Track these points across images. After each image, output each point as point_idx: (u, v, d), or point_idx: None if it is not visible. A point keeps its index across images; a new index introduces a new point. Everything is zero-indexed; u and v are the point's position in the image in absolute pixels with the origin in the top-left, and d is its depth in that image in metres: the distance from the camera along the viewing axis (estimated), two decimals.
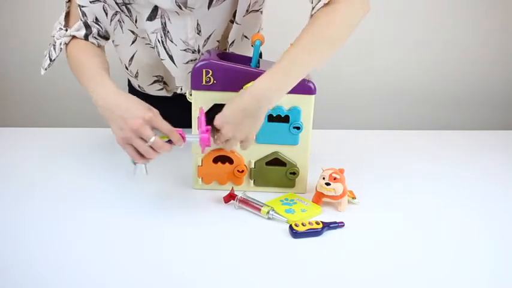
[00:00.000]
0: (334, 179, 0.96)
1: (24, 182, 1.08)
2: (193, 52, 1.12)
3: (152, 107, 0.91)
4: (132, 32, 1.13)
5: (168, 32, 1.09)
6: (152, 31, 1.10)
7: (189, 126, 1.00)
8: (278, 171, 1.03)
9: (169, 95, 1.29)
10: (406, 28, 2.06)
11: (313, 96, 0.97)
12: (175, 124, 0.90)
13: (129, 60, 1.20)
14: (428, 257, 0.84)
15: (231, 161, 1.02)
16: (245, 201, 0.97)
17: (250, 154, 1.02)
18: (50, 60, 1.00)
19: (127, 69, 1.23)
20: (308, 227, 0.89)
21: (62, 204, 0.99)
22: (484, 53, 2.14)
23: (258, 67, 1.01)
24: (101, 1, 1.05)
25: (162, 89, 1.27)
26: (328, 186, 0.96)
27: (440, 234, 0.92)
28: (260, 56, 1.09)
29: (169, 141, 0.89)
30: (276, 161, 1.03)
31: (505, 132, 1.47)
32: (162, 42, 1.11)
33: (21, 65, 2.07)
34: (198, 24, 1.09)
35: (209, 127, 0.90)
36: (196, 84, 0.97)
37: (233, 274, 0.79)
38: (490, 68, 2.17)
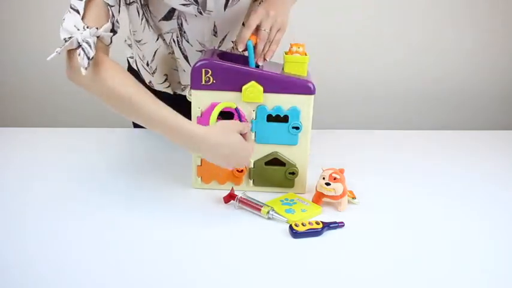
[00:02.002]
0: (334, 179, 0.96)
1: (24, 182, 1.08)
2: None
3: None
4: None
5: (184, 32, 1.10)
6: (167, 31, 1.11)
7: None
8: (277, 171, 1.03)
9: (171, 92, 1.30)
10: (406, 28, 2.06)
11: (313, 96, 0.97)
12: None
13: (152, 56, 1.18)
14: (428, 257, 0.84)
15: None
16: (245, 201, 0.97)
17: None
18: (89, 58, 0.92)
19: (148, 65, 1.21)
20: (308, 227, 0.89)
21: (62, 204, 0.99)
22: (484, 53, 2.14)
23: (258, 67, 1.01)
24: (136, 2, 1.05)
25: (168, 87, 1.27)
26: (328, 186, 0.96)
27: (440, 234, 0.92)
28: None
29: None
30: (275, 161, 1.02)
31: (505, 132, 1.47)
32: (178, 42, 1.12)
33: (21, 65, 2.07)
34: (214, 25, 1.10)
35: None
36: (196, 83, 0.97)
37: (233, 274, 0.79)
38: (490, 68, 2.17)
